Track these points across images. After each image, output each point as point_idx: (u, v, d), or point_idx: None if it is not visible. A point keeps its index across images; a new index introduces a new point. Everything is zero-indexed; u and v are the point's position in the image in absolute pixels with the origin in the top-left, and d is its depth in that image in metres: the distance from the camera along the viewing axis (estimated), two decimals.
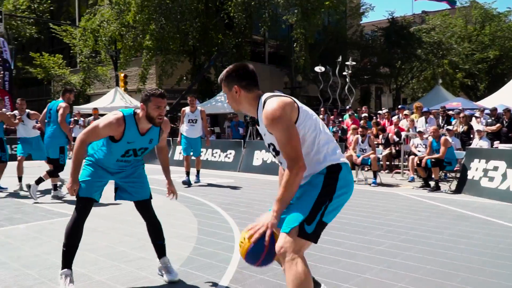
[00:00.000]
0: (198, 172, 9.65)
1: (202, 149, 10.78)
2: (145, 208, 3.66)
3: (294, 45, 21.57)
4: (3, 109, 8.86)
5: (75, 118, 17.06)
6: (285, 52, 26.29)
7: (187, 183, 9.17)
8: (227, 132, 17.78)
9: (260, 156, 11.62)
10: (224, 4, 20.36)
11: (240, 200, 7.49)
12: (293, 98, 2.47)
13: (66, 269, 3.37)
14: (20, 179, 8.28)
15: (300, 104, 2.48)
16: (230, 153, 12.39)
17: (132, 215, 6.15)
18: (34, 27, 30.72)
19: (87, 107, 21.48)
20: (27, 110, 8.55)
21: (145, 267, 4.00)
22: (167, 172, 3.82)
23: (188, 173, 9.27)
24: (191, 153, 9.42)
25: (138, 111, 3.37)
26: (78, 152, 3.35)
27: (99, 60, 25.50)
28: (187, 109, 9.34)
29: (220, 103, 18.04)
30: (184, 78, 22.20)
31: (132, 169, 3.63)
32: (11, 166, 8.72)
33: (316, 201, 2.39)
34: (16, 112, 8.78)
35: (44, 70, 26.48)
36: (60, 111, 7.14)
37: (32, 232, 5.30)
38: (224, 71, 2.58)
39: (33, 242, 4.88)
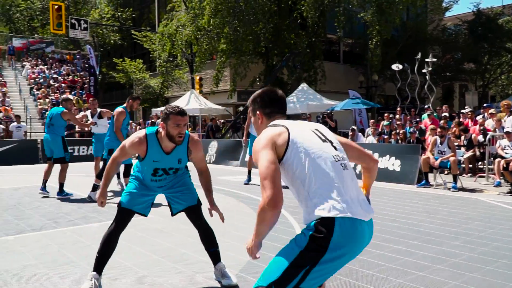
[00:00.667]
0: None
1: None
2: (194, 214, 3.59)
3: (369, 43, 20.86)
4: (86, 112, 9.34)
5: (152, 120, 17.76)
6: (361, 50, 25.55)
7: (247, 183, 9.68)
8: None
9: None
10: (297, 4, 20.18)
11: None
12: (290, 127, 2.11)
13: (95, 273, 3.41)
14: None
15: (296, 135, 2.08)
16: None
17: None
18: (117, 34, 32.59)
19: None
20: (99, 109, 8.85)
21: (204, 271, 3.96)
22: (208, 194, 3.58)
23: (249, 172, 9.85)
24: None
25: (161, 129, 3.30)
26: (110, 169, 3.48)
27: (176, 64, 26.42)
28: None
29: (292, 103, 17.88)
30: (257, 79, 22.33)
31: (175, 180, 3.59)
32: (91, 166, 9.20)
33: (292, 263, 1.94)
34: (88, 112, 9.10)
35: (126, 74, 27.98)
36: (115, 118, 7.39)
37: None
38: (252, 95, 2.39)
39: None
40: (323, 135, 2.19)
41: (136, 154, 3.50)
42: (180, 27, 22.09)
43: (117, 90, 36.30)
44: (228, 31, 19.81)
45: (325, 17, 21.88)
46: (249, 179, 9.79)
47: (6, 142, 15.08)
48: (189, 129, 22.14)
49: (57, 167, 8.04)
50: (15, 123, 16.27)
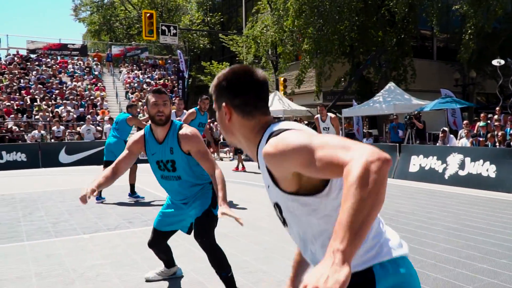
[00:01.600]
0: None
1: None
2: (195, 229, 3.29)
3: (462, 37, 19.32)
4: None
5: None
6: (457, 46, 23.78)
7: None
8: (385, 135, 16.76)
9: (418, 162, 10.55)
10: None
11: (385, 212, 6.80)
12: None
13: (163, 266, 3.84)
14: None
15: None
16: None
17: (268, 221, 6.06)
18: (206, 39, 33.62)
19: None
20: (185, 111, 8.59)
21: (261, 280, 3.78)
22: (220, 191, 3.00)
23: None
24: None
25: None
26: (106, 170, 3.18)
27: (262, 66, 26.63)
28: (319, 117, 9.23)
29: (378, 104, 17.09)
30: (342, 79, 21.73)
31: (192, 198, 3.35)
32: None
33: None
34: (173, 112, 9.12)
35: (213, 77, 28.75)
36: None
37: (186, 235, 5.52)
38: (216, 77, 1.54)
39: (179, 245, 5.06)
40: None
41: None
42: (265, 29, 22.20)
43: (206, 92, 37.56)
44: (312, 31, 19.49)
45: (416, 11, 20.66)
46: None
47: (101, 143, 16.15)
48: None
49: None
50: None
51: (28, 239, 5.38)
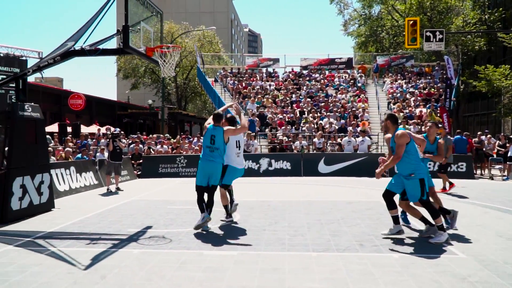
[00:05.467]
0: None
1: None
2: None
3: None
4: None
5: None
6: None
7: None
8: None
9: None
10: None
11: None
12: None
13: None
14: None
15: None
16: None
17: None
18: (482, 39, 30.06)
19: None
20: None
21: None
22: None
23: None
24: None
25: None
26: None
27: None
28: None
29: None
30: None
31: None
32: None
33: None
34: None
35: (488, 82, 25.26)
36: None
37: (404, 270, 5.02)
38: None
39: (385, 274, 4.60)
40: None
41: None
42: None
43: (482, 99, 33.59)
44: None
45: None
46: None
47: (357, 155, 16.37)
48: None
49: None
50: (360, 138, 17.46)
51: (265, 249, 5.73)
